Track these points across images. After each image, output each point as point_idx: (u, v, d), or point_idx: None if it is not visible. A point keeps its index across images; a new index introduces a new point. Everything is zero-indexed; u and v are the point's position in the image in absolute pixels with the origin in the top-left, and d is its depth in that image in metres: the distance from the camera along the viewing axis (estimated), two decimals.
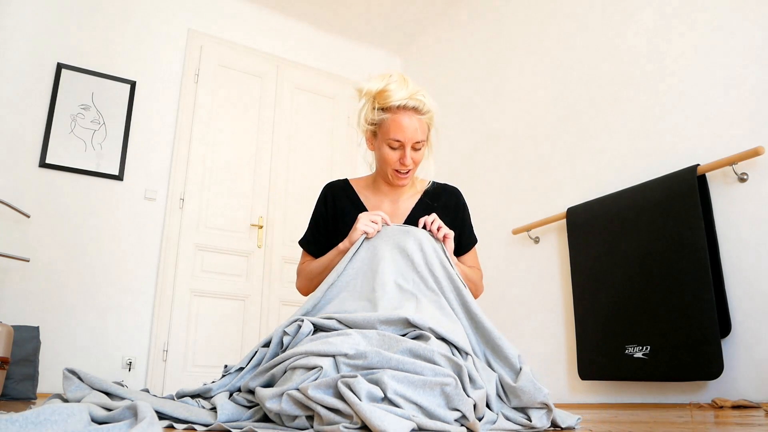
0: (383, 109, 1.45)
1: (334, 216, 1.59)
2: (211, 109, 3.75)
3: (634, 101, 2.59)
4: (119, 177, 3.35)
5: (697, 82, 2.33)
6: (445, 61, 4.09)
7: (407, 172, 1.51)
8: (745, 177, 2.09)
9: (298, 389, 0.89)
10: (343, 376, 0.85)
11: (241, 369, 1.18)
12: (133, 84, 3.50)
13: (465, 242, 1.62)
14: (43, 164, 3.14)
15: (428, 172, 1.62)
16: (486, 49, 3.67)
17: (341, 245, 1.45)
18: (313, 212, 1.66)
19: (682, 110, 2.37)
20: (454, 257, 1.51)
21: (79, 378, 1.17)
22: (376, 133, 1.51)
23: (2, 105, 3.11)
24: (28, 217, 3.02)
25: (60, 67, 3.30)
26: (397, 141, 1.45)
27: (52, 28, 3.34)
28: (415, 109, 1.44)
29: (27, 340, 2.63)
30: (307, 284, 1.59)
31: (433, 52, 4.27)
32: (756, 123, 2.09)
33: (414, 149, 1.48)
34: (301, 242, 1.65)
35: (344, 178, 1.70)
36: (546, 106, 3.10)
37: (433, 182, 1.65)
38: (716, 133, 2.22)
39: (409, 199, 1.61)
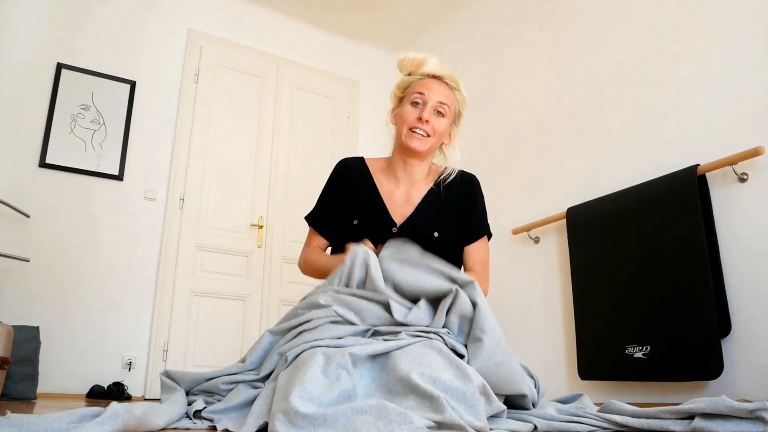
0: (416, 75, 1.50)
1: (345, 193, 1.54)
2: (211, 109, 3.75)
3: (634, 101, 2.59)
4: (119, 177, 3.35)
5: (697, 81, 2.33)
6: (444, 61, 4.08)
7: (424, 135, 1.45)
8: (745, 177, 2.09)
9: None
10: None
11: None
12: (133, 84, 3.50)
13: (472, 230, 1.52)
14: (43, 164, 3.14)
15: (453, 160, 1.57)
16: (486, 49, 3.67)
17: (339, 260, 1.33)
18: (324, 187, 1.61)
19: (682, 110, 2.37)
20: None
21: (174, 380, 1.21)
22: (403, 99, 1.52)
23: (2, 105, 3.11)
24: (28, 217, 3.02)
25: (60, 67, 3.29)
26: (421, 94, 1.46)
27: (52, 28, 3.33)
28: (446, 80, 1.49)
29: (27, 340, 2.63)
30: (307, 271, 1.55)
31: (433, 52, 4.26)
32: (756, 123, 2.09)
33: (436, 112, 1.46)
34: (308, 217, 1.59)
35: (360, 156, 1.65)
36: (546, 106, 3.10)
37: (446, 167, 1.57)
38: (716, 133, 2.22)
39: (422, 188, 1.53)
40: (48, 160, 3.16)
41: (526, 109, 3.24)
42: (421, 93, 1.46)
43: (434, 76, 1.49)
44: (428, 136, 1.46)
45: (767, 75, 2.09)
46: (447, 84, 1.49)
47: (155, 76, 3.61)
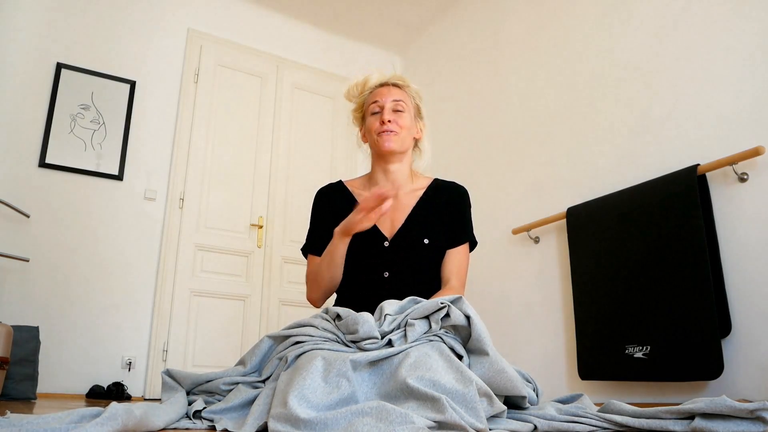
0: (366, 94, 1.61)
1: (332, 215, 1.55)
2: (211, 109, 3.75)
3: (634, 101, 2.59)
4: (119, 177, 3.35)
5: (697, 81, 2.33)
6: (445, 61, 4.09)
7: (391, 132, 1.53)
8: (745, 177, 2.09)
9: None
10: None
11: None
12: (133, 84, 3.50)
13: (456, 234, 1.53)
14: (42, 164, 3.14)
15: (423, 155, 1.66)
16: (486, 49, 3.67)
17: (338, 232, 1.42)
18: (311, 217, 1.62)
19: (682, 110, 2.37)
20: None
21: (176, 380, 1.21)
22: (365, 117, 1.61)
23: (2, 105, 3.11)
24: (28, 217, 3.02)
25: (60, 66, 3.29)
26: (375, 102, 1.56)
27: (52, 28, 3.33)
28: (393, 84, 1.61)
29: (27, 340, 2.63)
30: (316, 288, 1.51)
31: (433, 52, 4.26)
32: (756, 123, 2.09)
33: (395, 110, 1.55)
34: (305, 249, 1.58)
35: (338, 180, 1.69)
36: (546, 105, 3.10)
37: (436, 179, 1.63)
38: (716, 133, 2.22)
39: (409, 194, 1.57)
40: (48, 160, 3.16)
41: (526, 108, 3.24)
42: (375, 101, 1.56)
43: (381, 85, 1.59)
44: (396, 132, 1.53)
45: (767, 75, 2.09)
46: (395, 85, 1.59)
47: (155, 76, 3.61)
